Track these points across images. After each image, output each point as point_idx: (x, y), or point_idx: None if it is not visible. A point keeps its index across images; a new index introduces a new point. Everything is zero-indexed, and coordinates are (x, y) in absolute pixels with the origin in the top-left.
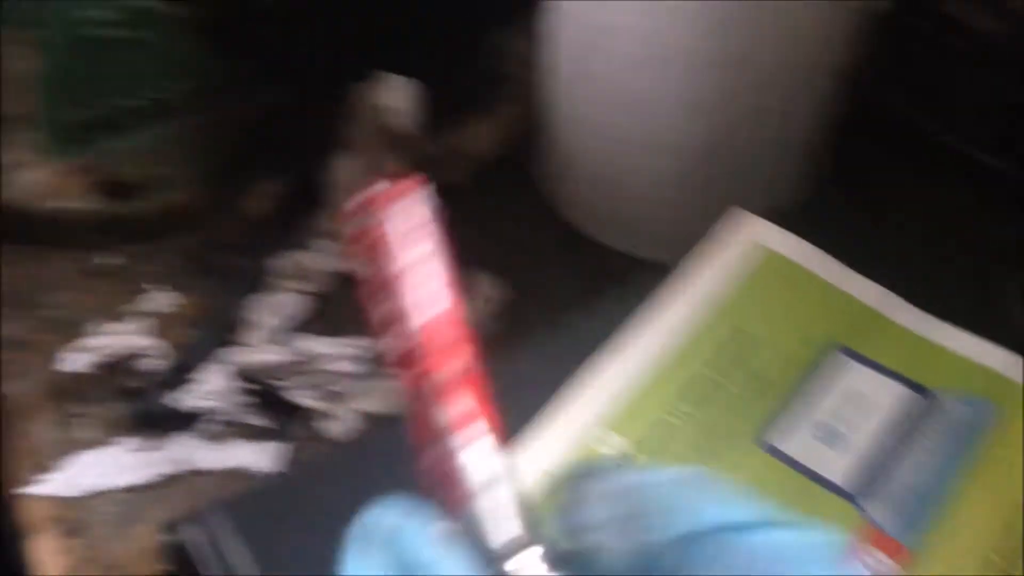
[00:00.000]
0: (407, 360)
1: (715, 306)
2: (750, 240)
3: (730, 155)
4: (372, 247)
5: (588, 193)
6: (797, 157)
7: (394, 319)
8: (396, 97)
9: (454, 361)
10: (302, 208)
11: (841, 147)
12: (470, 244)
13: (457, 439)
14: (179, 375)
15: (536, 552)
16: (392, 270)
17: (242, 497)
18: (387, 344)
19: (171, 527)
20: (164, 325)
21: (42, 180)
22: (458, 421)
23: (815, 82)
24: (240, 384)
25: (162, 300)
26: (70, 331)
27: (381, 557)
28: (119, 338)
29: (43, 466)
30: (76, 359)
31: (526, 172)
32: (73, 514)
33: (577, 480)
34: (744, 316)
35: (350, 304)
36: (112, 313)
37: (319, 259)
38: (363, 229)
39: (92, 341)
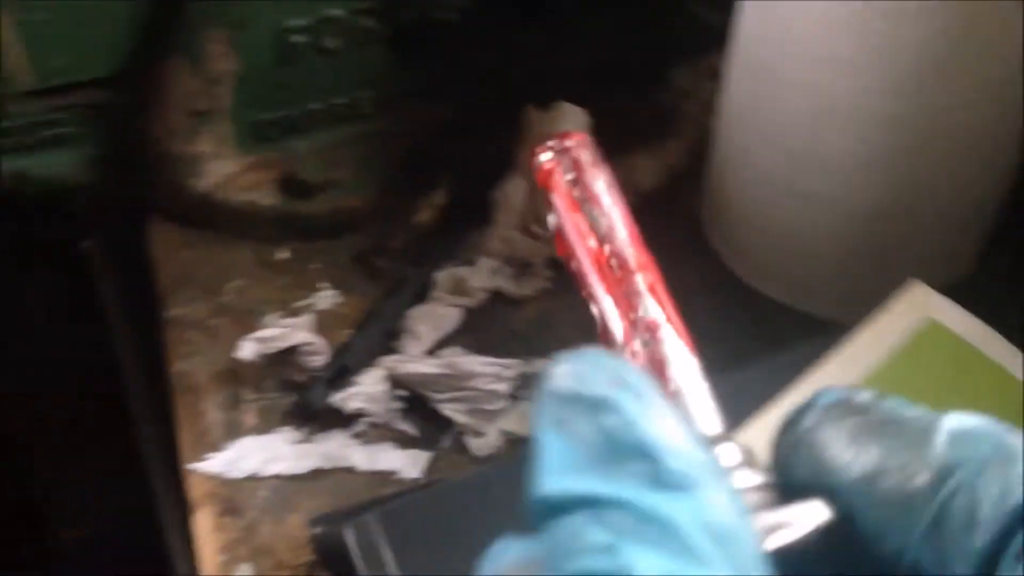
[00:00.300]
0: (599, 265)
1: (877, 377)
2: (920, 312)
3: (902, 218)
4: (571, 166)
5: (747, 238)
6: (972, 225)
7: (594, 230)
8: (568, 124)
9: (645, 274)
10: (467, 223)
11: (1011, 217)
12: None
13: (652, 339)
14: (340, 374)
15: (733, 449)
16: (591, 188)
17: (396, 502)
18: (585, 251)
19: (323, 521)
20: (328, 323)
21: (228, 173)
22: (654, 324)
23: (997, 149)
24: (394, 391)
25: (328, 298)
26: (244, 319)
27: (585, 428)
28: (287, 331)
29: (209, 446)
30: (247, 347)
31: (683, 209)
32: (230, 495)
33: (825, 412)
34: (905, 391)
35: (503, 323)
36: (283, 306)
37: (478, 276)
38: (560, 154)
39: (263, 331)
